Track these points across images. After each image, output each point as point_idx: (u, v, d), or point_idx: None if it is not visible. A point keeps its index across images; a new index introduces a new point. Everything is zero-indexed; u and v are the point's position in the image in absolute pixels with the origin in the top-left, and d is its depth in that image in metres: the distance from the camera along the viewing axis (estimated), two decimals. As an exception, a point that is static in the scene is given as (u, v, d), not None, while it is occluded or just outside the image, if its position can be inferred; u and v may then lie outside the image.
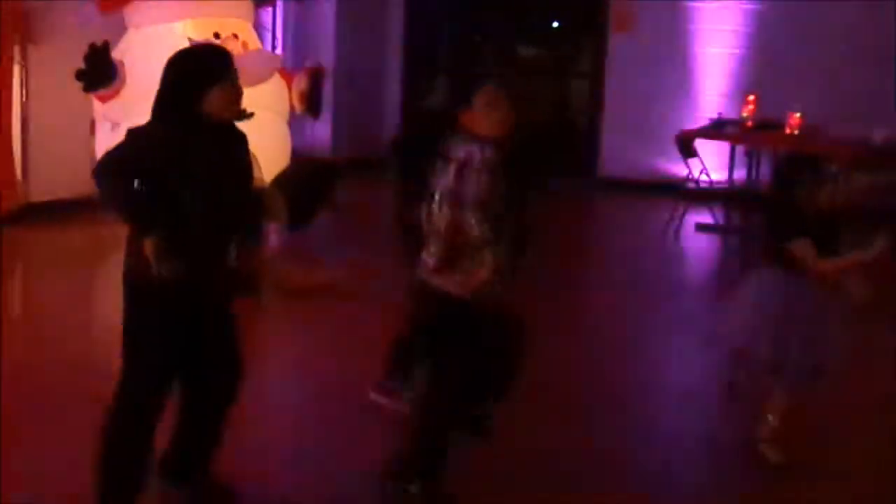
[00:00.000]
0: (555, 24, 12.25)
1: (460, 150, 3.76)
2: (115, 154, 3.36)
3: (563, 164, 10.46)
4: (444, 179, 3.77)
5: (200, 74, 3.29)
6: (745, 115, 9.18)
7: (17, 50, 7.83)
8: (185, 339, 3.41)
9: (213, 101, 3.25)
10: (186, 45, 6.29)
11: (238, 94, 3.40)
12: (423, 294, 3.96)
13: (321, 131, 10.83)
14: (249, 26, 7.83)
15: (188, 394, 3.55)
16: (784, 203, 4.18)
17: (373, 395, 4.78)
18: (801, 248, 3.95)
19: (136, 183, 3.28)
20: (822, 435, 4.51)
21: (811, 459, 4.24)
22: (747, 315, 4.31)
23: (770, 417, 4.25)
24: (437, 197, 3.80)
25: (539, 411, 4.66)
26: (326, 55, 10.84)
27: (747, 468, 4.21)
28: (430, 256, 3.86)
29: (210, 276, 3.45)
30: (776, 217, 4.31)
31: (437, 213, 3.79)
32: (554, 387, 5.02)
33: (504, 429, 4.29)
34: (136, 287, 3.32)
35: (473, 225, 3.72)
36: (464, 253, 3.79)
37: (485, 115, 3.76)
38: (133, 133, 3.32)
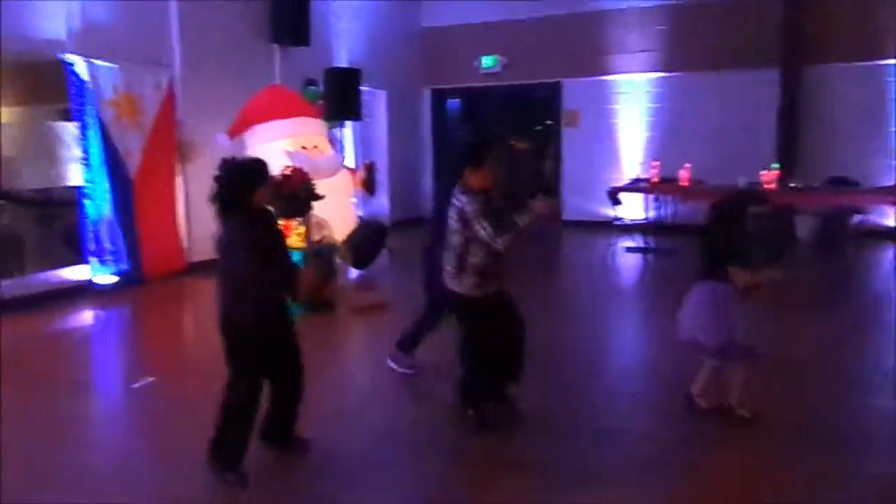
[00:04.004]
0: (538, 127, 14.63)
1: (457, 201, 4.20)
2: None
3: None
4: (452, 222, 4.24)
5: (250, 180, 3.81)
6: (652, 174, 11.09)
7: (177, 166, 9.57)
8: (269, 351, 3.90)
9: (260, 197, 3.84)
10: (284, 156, 7.76)
11: (268, 191, 3.87)
12: (447, 294, 4.47)
13: (382, 203, 12.85)
14: (325, 139, 9.39)
15: (274, 386, 4.05)
16: (722, 235, 4.45)
17: (389, 362, 5.41)
18: (737, 272, 4.37)
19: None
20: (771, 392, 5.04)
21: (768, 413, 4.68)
22: (695, 315, 4.56)
23: (736, 387, 4.62)
24: (453, 234, 4.26)
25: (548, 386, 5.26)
26: (382, 154, 13.13)
27: (721, 423, 4.63)
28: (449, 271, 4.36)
29: (275, 312, 3.95)
30: (716, 245, 4.47)
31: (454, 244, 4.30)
32: (551, 363, 5.67)
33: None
34: (236, 324, 3.84)
35: (478, 253, 4.23)
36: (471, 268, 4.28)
37: (483, 176, 4.21)
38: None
